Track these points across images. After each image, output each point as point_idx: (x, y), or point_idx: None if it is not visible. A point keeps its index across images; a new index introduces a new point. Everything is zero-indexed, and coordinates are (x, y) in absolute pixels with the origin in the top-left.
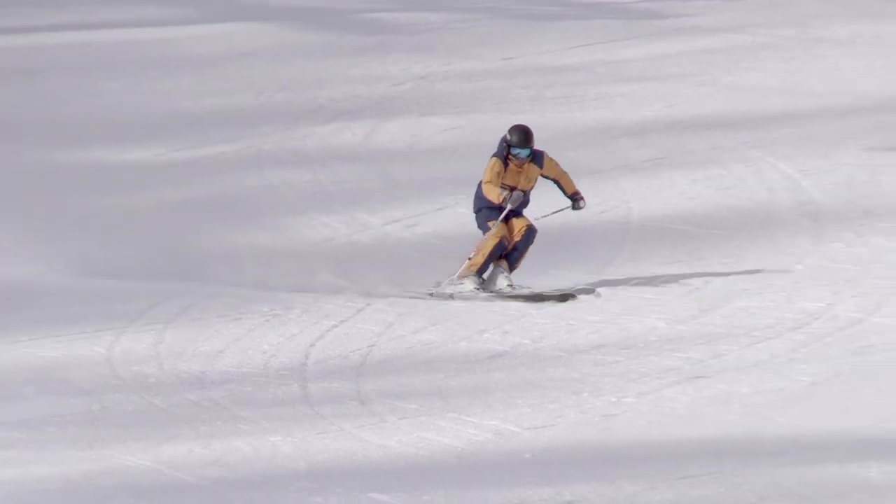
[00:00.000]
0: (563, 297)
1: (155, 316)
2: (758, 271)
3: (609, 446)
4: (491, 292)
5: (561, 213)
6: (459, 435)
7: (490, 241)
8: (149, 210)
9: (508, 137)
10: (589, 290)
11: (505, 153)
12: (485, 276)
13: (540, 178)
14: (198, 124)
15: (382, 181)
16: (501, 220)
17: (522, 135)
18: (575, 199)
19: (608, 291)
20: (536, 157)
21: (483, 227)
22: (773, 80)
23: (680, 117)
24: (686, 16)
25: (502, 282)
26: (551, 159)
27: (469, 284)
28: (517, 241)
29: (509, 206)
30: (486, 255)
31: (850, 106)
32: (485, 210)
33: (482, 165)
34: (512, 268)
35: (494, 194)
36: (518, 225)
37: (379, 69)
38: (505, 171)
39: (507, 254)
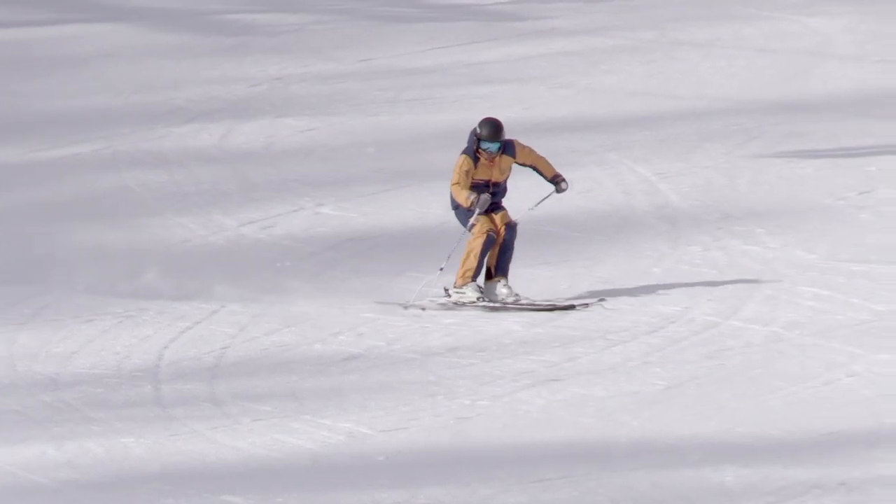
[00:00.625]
0: (569, 308)
1: (8, 317)
2: (614, 274)
3: (463, 449)
4: (495, 303)
5: (548, 198)
6: (313, 437)
7: (477, 239)
8: (3, 211)
9: (478, 131)
10: (592, 301)
11: (475, 147)
12: (480, 282)
13: (517, 166)
14: (54, 125)
15: (239, 182)
16: (480, 214)
17: (492, 128)
18: (556, 181)
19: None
20: (507, 148)
21: (464, 222)
22: (632, 83)
23: (538, 119)
24: (545, 18)
25: (502, 290)
26: (524, 146)
27: (471, 294)
28: (502, 245)
29: (478, 211)
30: (477, 256)
31: (708, 109)
32: (462, 208)
33: (340, 166)
34: (506, 274)
35: (462, 197)
36: (500, 220)
37: (236, 70)
38: (475, 166)
39: (498, 264)
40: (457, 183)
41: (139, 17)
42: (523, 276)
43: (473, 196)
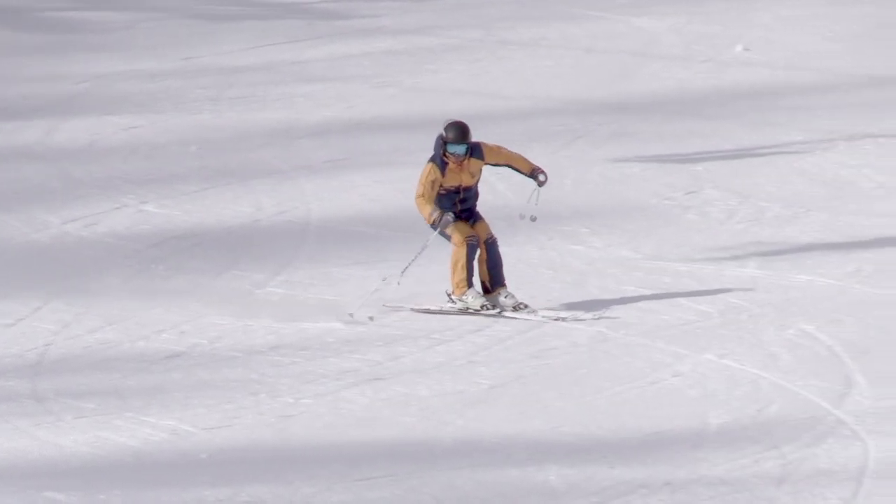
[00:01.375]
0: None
1: None
2: (441, 274)
3: (286, 447)
4: (501, 308)
5: (537, 193)
6: (136, 434)
7: (460, 250)
8: None
9: (444, 135)
10: (599, 314)
11: (442, 152)
12: (478, 288)
13: (491, 167)
14: None
15: (62, 180)
16: (453, 222)
17: (458, 130)
18: (534, 175)
19: (285, 292)
20: (475, 151)
21: (441, 231)
22: (458, 83)
23: (361, 118)
24: (370, 17)
25: (506, 301)
26: (492, 147)
27: (473, 301)
28: (488, 262)
29: (438, 230)
30: (465, 266)
31: (534, 108)
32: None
33: (163, 164)
34: (504, 283)
35: (426, 212)
36: (481, 234)
37: (60, 68)
38: (443, 174)
39: (492, 278)
40: (421, 195)
41: None
42: (334, 276)
43: (437, 213)
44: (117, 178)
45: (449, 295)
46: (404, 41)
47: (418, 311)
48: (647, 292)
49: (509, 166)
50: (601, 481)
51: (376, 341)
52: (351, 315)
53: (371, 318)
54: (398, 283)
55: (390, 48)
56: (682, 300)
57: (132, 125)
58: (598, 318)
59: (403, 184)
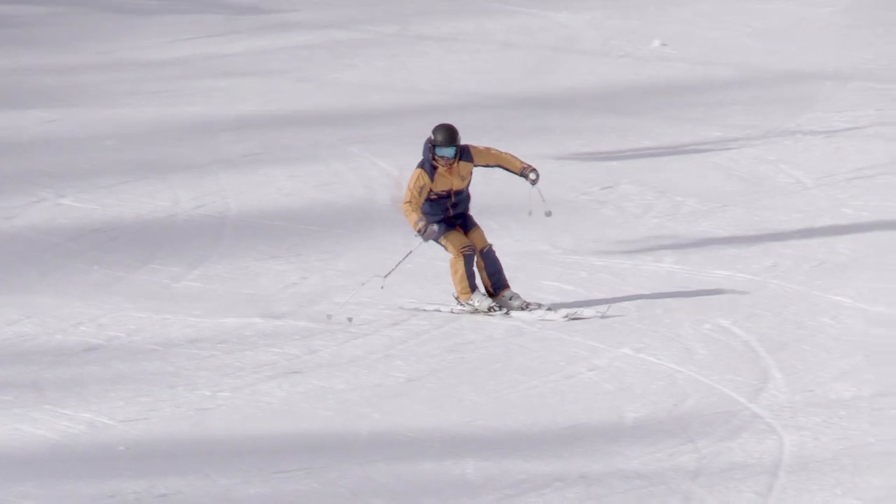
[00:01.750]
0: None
1: None
2: (354, 267)
3: (204, 440)
4: (511, 308)
5: (538, 190)
6: (54, 427)
7: (458, 261)
8: None
9: (432, 138)
10: (605, 310)
11: (431, 156)
12: (483, 291)
13: (483, 168)
14: None
15: None
16: (445, 232)
17: (446, 133)
18: (525, 174)
19: (203, 285)
20: (463, 153)
21: (435, 239)
22: (376, 77)
23: (279, 113)
24: (288, 12)
25: (512, 303)
26: (480, 149)
27: (480, 304)
28: (488, 268)
29: (422, 241)
30: (464, 275)
31: (450, 103)
32: (431, 206)
33: (81, 158)
34: (507, 285)
35: (412, 220)
36: (476, 242)
37: None
38: (432, 179)
39: (493, 284)
40: (409, 202)
41: None
42: (252, 270)
43: (422, 223)
44: (35, 171)
45: (456, 298)
46: (322, 36)
47: (431, 311)
48: (564, 287)
49: (500, 166)
50: (517, 475)
51: (294, 335)
52: (329, 317)
53: (350, 320)
54: (381, 287)
55: (308, 43)
56: (598, 294)
57: (49, 119)
58: (603, 315)
59: (321, 177)
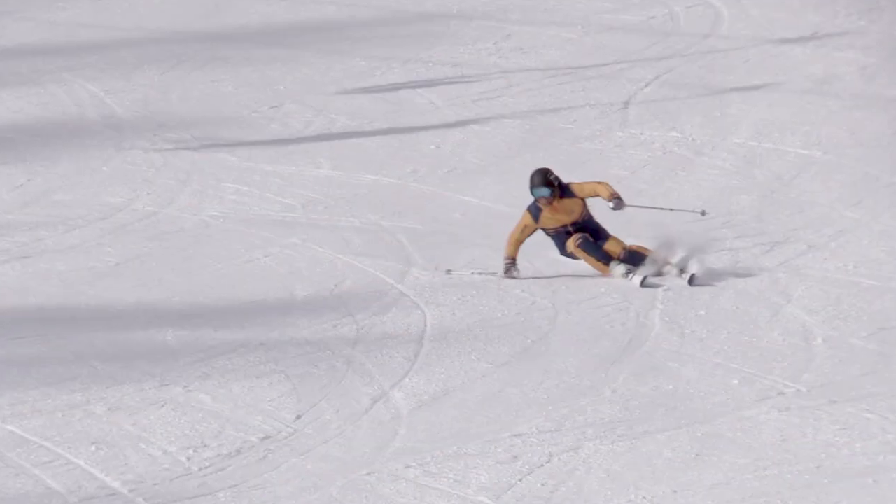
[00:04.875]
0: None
1: None
2: (70, 171)
3: None
4: (651, 269)
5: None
6: None
7: (579, 252)
8: None
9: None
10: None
11: (535, 198)
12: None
13: (592, 199)
14: None
15: None
16: (564, 241)
17: (537, 175)
18: (611, 200)
19: None
20: (565, 191)
21: (571, 255)
22: (85, 17)
23: (7, 45)
24: None
25: (620, 270)
26: (579, 184)
27: (619, 272)
28: (595, 237)
29: (502, 275)
30: (591, 259)
31: (146, 38)
32: (554, 240)
33: None
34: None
35: (504, 253)
36: (611, 247)
37: None
38: (536, 220)
39: (626, 255)
40: (511, 234)
41: None
42: None
43: (508, 261)
44: None
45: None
46: None
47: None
48: (242, 188)
49: (596, 196)
50: (208, 341)
51: (23, 226)
52: (449, 272)
53: (448, 272)
54: (448, 272)
55: None
56: (269, 195)
57: None
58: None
59: (41, 99)
